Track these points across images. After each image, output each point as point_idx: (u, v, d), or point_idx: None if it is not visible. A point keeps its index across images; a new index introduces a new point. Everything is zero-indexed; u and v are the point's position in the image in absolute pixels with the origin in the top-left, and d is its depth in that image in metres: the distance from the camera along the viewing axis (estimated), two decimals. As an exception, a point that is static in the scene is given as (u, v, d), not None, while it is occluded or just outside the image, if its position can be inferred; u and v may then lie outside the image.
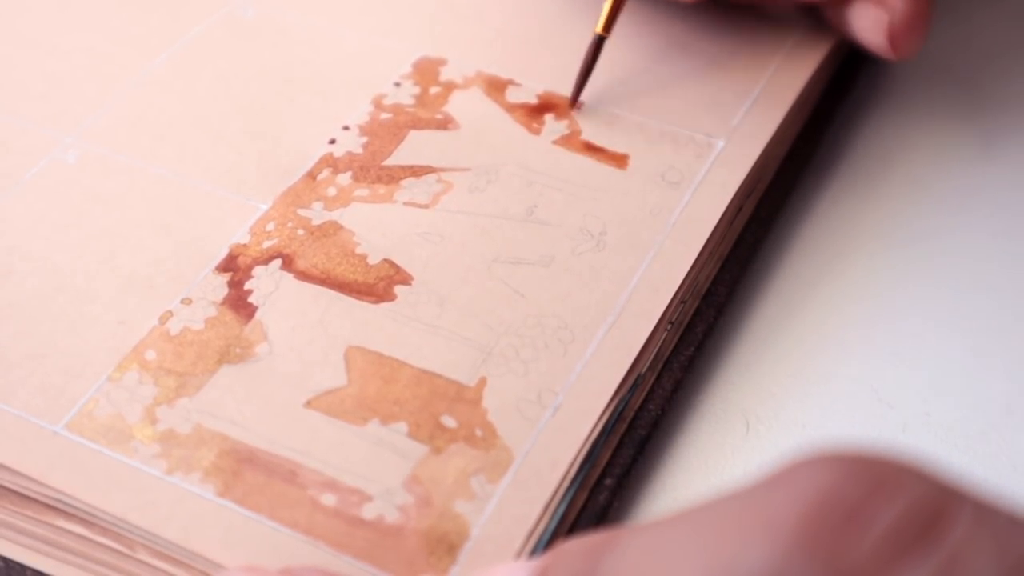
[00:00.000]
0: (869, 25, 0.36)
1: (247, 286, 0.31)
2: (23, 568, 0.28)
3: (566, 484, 0.27)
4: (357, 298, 0.30)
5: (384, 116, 0.35)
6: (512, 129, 0.35)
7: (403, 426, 0.28)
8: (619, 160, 0.34)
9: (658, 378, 0.31)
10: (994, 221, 0.36)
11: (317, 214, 0.32)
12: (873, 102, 0.40)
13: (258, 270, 0.31)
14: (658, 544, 0.21)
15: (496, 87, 0.36)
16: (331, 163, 0.34)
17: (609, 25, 0.36)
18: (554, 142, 0.35)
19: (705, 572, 0.19)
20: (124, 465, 0.27)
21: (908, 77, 0.41)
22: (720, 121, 0.36)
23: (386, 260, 0.31)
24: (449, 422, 0.28)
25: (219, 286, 0.31)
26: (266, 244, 0.32)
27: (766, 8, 0.39)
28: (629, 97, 0.36)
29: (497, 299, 0.31)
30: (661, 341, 0.31)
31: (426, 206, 0.33)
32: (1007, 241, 0.36)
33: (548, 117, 0.36)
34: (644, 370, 0.30)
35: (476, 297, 0.31)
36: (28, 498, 0.27)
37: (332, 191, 0.33)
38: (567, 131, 0.35)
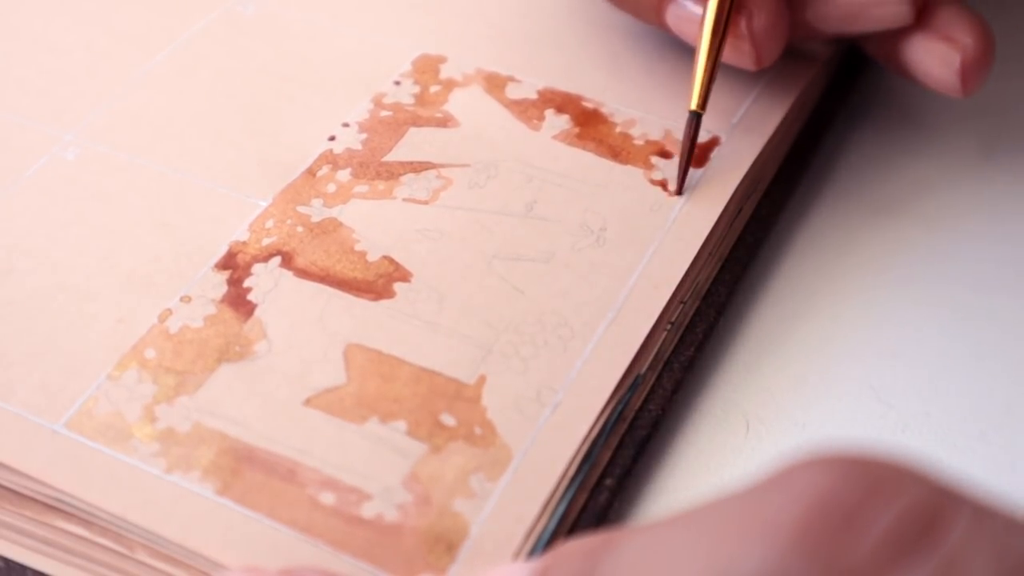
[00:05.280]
0: (937, 63, 0.35)
1: (246, 284, 0.31)
2: (23, 568, 0.28)
3: (565, 483, 0.27)
4: (356, 295, 0.30)
5: (384, 114, 0.35)
6: (512, 125, 0.35)
7: (402, 424, 0.28)
8: (620, 156, 0.34)
9: (658, 378, 0.30)
10: (994, 221, 0.36)
11: (316, 211, 0.32)
12: (874, 102, 0.40)
13: (257, 268, 0.31)
14: (657, 545, 0.21)
15: (496, 84, 0.36)
16: (331, 160, 0.34)
17: (704, 100, 0.33)
18: (554, 137, 0.35)
19: (703, 574, 0.19)
20: (123, 463, 0.27)
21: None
22: (720, 119, 0.36)
23: (385, 257, 0.31)
24: (448, 420, 0.28)
25: (218, 284, 0.31)
26: (265, 241, 0.32)
27: (794, 44, 0.37)
28: (629, 93, 0.36)
29: (496, 296, 0.31)
30: (661, 341, 0.31)
31: (426, 202, 0.33)
32: (1007, 241, 0.36)
33: (548, 112, 0.36)
34: (644, 370, 0.30)
35: (475, 294, 0.31)
36: (28, 498, 0.27)
37: (332, 188, 0.33)
38: (567, 127, 0.35)
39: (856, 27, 0.35)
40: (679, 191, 0.33)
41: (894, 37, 0.36)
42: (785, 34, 0.35)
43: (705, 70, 0.34)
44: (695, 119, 0.33)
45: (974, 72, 0.35)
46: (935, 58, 0.35)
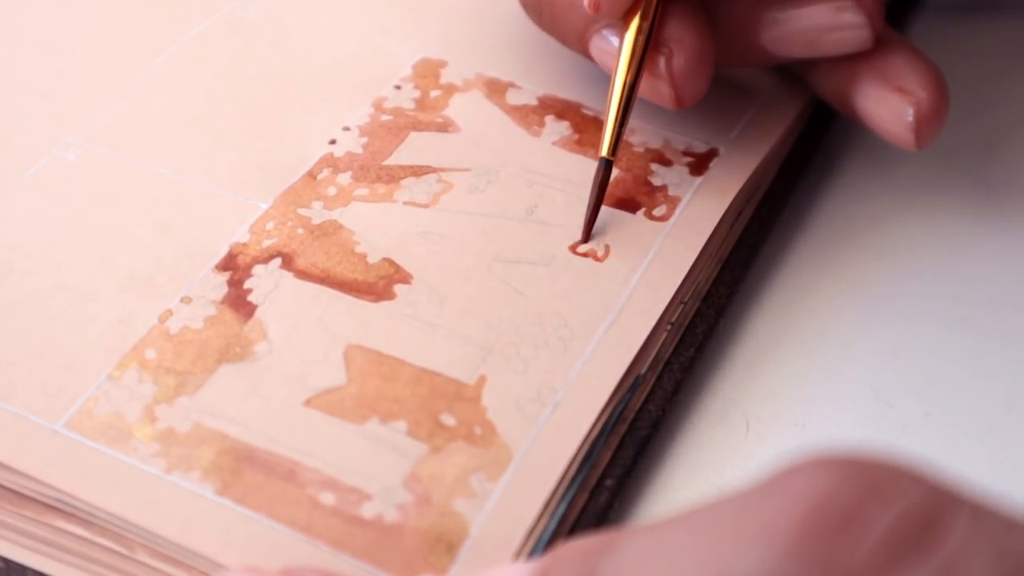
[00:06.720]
0: (890, 115, 0.33)
1: (247, 285, 0.31)
2: (23, 568, 0.28)
3: (566, 483, 0.27)
4: (357, 297, 0.30)
5: (384, 118, 0.35)
6: (512, 131, 0.35)
7: (402, 424, 0.28)
8: (620, 163, 0.34)
9: (659, 379, 0.31)
10: (995, 221, 0.36)
11: (317, 213, 0.32)
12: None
13: (258, 269, 0.31)
14: (656, 547, 0.21)
15: (496, 89, 0.36)
16: (331, 163, 0.34)
17: (614, 147, 0.32)
18: (554, 143, 0.35)
19: (703, 575, 0.19)
20: (123, 464, 0.27)
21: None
22: (718, 132, 0.35)
23: (386, 259, 0.31)
24: (448, 420, 0.28)
25: (219, 285, 0.31)
26: (266, 243, 0.32)
27: (747, 69, 0.36)
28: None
29: (497, 298, 0.31)
30: (661, 342, 0.31)
31: (426, 206, 0.33)
32: (1007, 241, 0.36)
33: (548, 119, 0.36)
34: (644, 371, 0.30)
35: (476, 296, 0.31)
36: (28, 498, 0.27)
37: (332, 190, 0.33)
38: (567, 133, 0.35)
39: (815, 52, 0.34)
40: (584, 239, 0.32)
41: (847, 81, 0.34)
42: (709, 74, 0.33)
43: (616, 115, 0.32)
44: (605, 166, 0.32)
45: (928, 126, 0.33)
46: (888, 110, 0.34)
